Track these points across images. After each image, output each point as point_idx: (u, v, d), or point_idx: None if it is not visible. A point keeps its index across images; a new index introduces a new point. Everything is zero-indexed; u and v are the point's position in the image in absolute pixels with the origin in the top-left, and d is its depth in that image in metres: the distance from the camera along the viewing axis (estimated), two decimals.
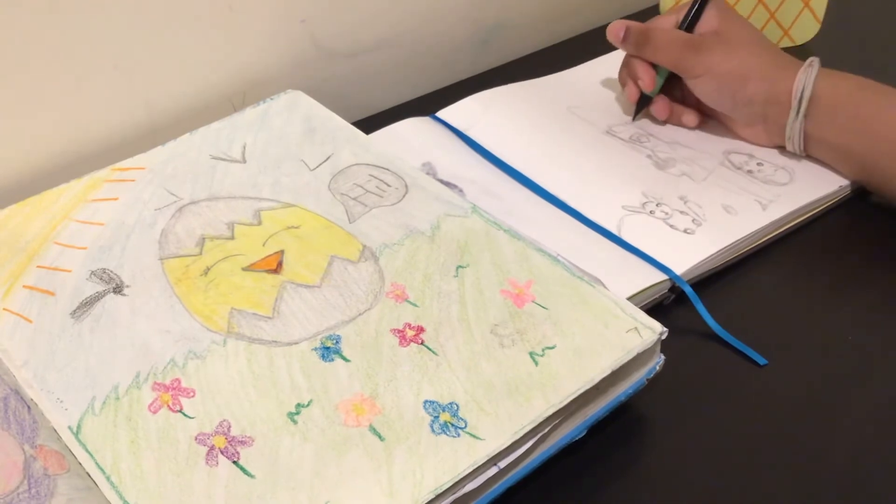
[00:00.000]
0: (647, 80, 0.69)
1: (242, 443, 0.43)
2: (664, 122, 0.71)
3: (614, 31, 0.69)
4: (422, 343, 0.48)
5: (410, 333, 0.49)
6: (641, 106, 0.71)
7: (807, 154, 0.67)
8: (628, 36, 0.68)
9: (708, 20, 0.68)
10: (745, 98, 0.66)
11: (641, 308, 0.51)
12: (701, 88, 0.67)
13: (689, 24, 0.68)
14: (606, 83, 0.76)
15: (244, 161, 0.60)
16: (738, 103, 0.66)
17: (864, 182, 0.65)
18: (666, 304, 0.58)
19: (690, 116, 0.70)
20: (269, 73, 0.72)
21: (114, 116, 0.66)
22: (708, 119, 0.71)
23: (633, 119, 0.72)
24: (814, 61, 0.64)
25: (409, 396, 0.45)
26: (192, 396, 0.45)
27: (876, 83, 0.63)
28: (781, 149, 0.68)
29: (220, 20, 0.68)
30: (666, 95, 0.71)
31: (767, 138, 0.68)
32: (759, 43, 0.67)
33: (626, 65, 0.71)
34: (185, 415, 0.45)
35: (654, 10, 0.87)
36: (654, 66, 0.69)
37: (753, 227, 0.61)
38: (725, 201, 0.64)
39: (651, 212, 0.63)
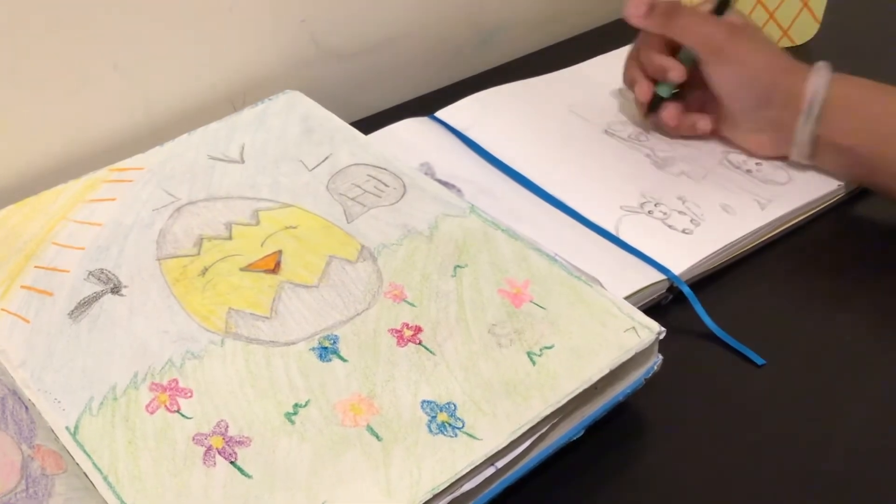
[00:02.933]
0: (678, 70, 0.65)
1: (240, 443, 0.43)
2: (671, 132, 0.68)
3: (635, 6, 0.64)
4: (419, 343, 0.48)
5: (408, 333, 0.49)
6: (655, 105, 0.68)
7: (811, 162, 0.65)
8: (653, 11, 0.64)
9: (732, 19, 0.65)
10: (767, 96, 0.63)
11: (639, 308, 0.51)
12: (726, 78, 0.64)
13: (719, 10, 0.65)
14: (606, 82, 0.75)
15: (242, 161, 0.60)
16: (760, 101, 0.64)
17: (871, 185, 0.64)
18: (664, 303, 0.58)
19: (705, 121, 0.67)
20: (269, 73, 0.72)
21: (113, 116, 0.66)
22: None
23: (646, 115, 0.68)
24: (825, 65, 0.63)
25: (407, 396, 0.45)
26: (190, 397, 0.45)
27: (885, 85, 0.62)
28: (783, 158, 0.66)
29: (221, 20, 0.68)
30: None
31: (772, 146, 0.66)
32: (777, 46, 0.66)
33: (637, 60, 0.68)
34: (182, 415, 0.45)
35: None
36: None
37: (752, 227, 0.61)
38: (724, 201, 0.64)
39: (649, 212, 0.63)
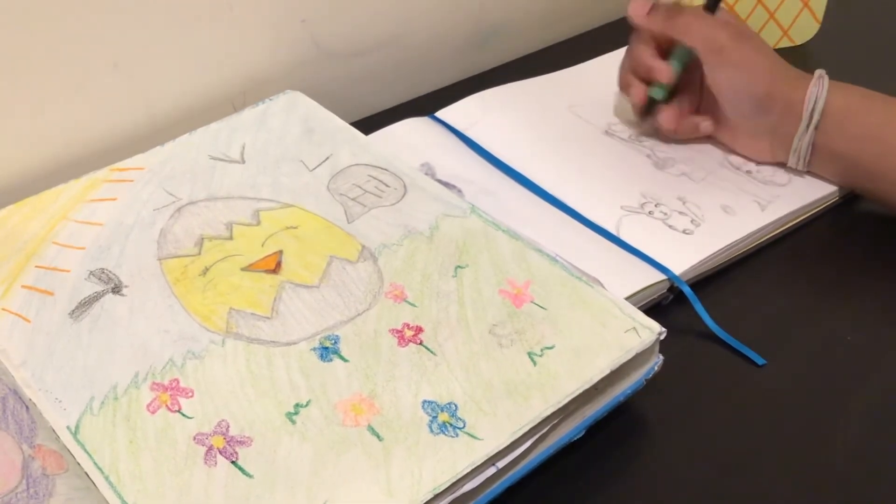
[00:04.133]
0: (666, 71, 0.64)
1: (241, 443, 0.43)
2: (671, 136, 0.68)
3: (638, 6, 0.65)
4: (420, 343, 0.48)
5: (409, 333, 0.49)
6: (650, 108, 0.67)
7: (809, 169, 0.65)
8: (656, 10, 0.64)
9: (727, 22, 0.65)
10: (767, 102, 0.63)
11: (640, 308, 0.51)
12: (726, 80, 0.63)
13: (711, 6, 0.64)
14: (606, 82, 0.75)
15: (243, 161, 0.60)
16: (759, 106, 0.63)
17: (868, 192, 0.64)
18: (664, 304, 0.58)
19: (707, 123, 0.67)
20: (269, 73, 0.72)
21: (113, 116, 0.66)
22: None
23: (642, 117, 0.68)
24: (823, 74, 0.63)
25: (408, 396, 0.46)
26: (191, 396, 0.45)
27: (881, 94, 0.62)
28: (781, 164, 0.66)
29: (221, 20, 0.68)
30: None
31: (770, 153, 0.66)
32: (774, 52, 0.65)
33: (630, 62, 0.68)
34: (183, 415, 0.45)
35: None
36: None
37: (752, 227, 0.61)
38: (724, 202, 0.64)
39: (650, 212, 0.63)
